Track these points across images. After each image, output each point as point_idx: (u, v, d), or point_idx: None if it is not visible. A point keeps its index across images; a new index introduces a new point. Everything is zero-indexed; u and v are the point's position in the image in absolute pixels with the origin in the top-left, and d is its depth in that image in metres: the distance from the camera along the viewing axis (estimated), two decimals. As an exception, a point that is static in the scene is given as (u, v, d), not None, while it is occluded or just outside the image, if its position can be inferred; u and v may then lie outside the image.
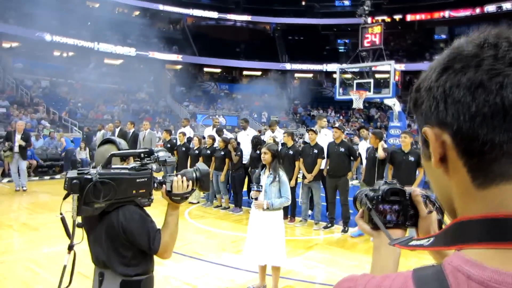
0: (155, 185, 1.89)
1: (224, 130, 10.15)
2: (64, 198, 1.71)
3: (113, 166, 1.82)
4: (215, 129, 10.07)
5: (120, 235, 1.86)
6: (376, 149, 6.56)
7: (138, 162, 1.86)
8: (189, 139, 10.30)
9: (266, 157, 4.26)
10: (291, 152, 7.44)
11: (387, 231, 0.93)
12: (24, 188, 10.27)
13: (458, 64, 0.54)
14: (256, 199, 4.18)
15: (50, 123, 19.47)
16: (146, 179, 1.82)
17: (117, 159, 2.00)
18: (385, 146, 6.87)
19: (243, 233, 6.18)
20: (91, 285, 2.03)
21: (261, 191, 4.17)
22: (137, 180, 1.80)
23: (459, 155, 0.55)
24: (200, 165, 2.03)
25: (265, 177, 4.26)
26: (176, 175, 1.94)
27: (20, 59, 25.58)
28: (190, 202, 9.25)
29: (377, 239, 0.99)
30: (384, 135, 9.79)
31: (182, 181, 1.91)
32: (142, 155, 1.87)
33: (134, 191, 1.80)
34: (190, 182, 1.94)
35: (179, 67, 34.58)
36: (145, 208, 1.95)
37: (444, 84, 0.55)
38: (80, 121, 21.62)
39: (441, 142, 0.56)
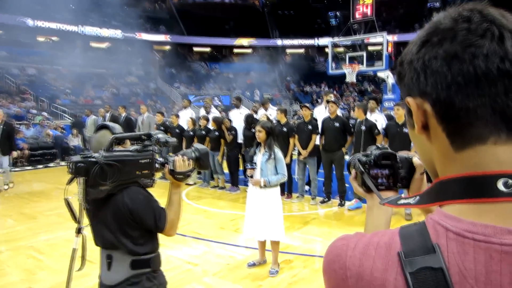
0: (157, 165, 1.95)
1: (213, 107, 10.12)
2: (68, 183, 1.75)
3: (115, 149, 1.86)
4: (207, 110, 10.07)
5: (127, 215, 1.91)
6: (362, 121, 6.64)
7: (140, 144, 1.91)
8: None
9: (260, 135, 4.29)
10: (285, 129, 7.47)
11: (378, 193, 0.98)
12: (6, 188, 9.14)
13: (436, 37, 0.58)
14: (251, 176, 4.24)
15: (39, 111, 19.31)
16: (149, 160, 1.88)
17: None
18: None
19: (241, 211, 6.29)
20: (98, 268, 2.08)
21: (255, 168, 4.22)
22: (141, 161, 1.86)
23: (438, 121, 0.58)
24: (198, 145, 2.09)
25: (261, 155, 4.31)
26: (177, 155, 2.01)
27: (4, 47, 25.08)
28: (187, 184, 9.33)
29: (370, 200, 1.03)
30: (378, 108, 9.84)
31: (183, 160, 1.99)
32: (142, 137, 1.93)
33: (137, 172, 1.86)
34: (191, 161, 2.02)
35: (167, 48, 34.09)
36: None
37: (424, 57, 0.59)
38: (70, 108, 21.44)
39: (423, 111, 0.60)
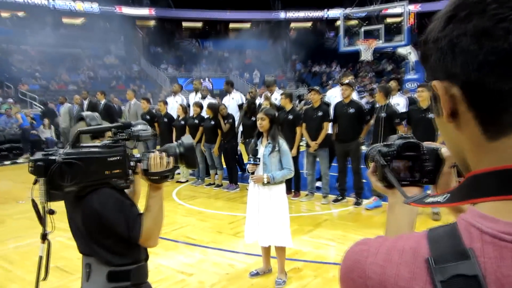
0: (132, 163, 1.92)
1: (209, 95, 10.13)
2: (34, 183, 1.75)
3: (82, 145, 1.84)
4: (198, 94, 10.05)
5: (97, 221, 1.90)
6: (383, 107, 6.62)
7: (110, 139, 1.88)
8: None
9: (263, 123, 4.28)
10: (290, 116, 7.47)
11: (402, 189, 0.98)
12: None
13: (463, 12, 0.58)
14: (253, 173, 4.23)
15: (4, 99, 19.29)
16: (119, 158, 1.85)
17: (87, 137, 2.04)
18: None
19: (241, 212, 6.29)
20: (76, 279, 2.10)
21: (258, 164, 4.22)
22: (109, 159, 1.83)
23: (468, 107, 0.59)
24: (185, 138, 2.05)
25: (263, 148, 4.30)
26: (156, 151, 1.96)
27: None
28: (178, 181, 9.36)
29: (392, 198, 1.04)
30: (400, 90, 9.78)
31: (161, 158, 1.94)
32: (114, 130, 1.89)
33: (107, 172, 1.83)
34: (172, 158, 1.97)
35: (152, 23, 33.97)
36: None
37: (451, 34, 0.59)
38: (40, 94, 21.42)
39: (451, 95, 0.60)
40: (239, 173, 9.19)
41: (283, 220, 4.24)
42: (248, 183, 4.49)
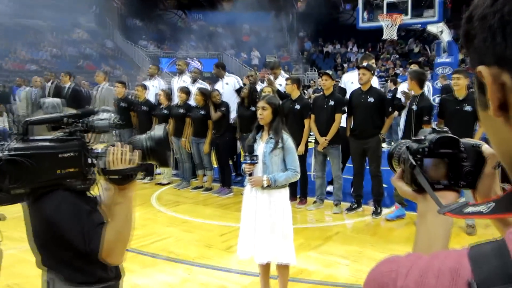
0: (90, 160, 1.90)
1: (199, 79, 10.11)
2: None
3: (32, 138, 1.83)
4: (184, 77, 10.02)
5: (49, 230, 1.89)
6: (417, 97, 6.61)
7: (62, 131, 1.88)
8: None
9: (264, 114, 4.27)
10: (297, 106, 7.47)
11: (435, 195, 0.98)
12: None
13: None
14: (250, 174, 4.23)
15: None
16: (74, 154, 1.84)
17: (45, 129, 2.02)
18: (408, 90, 6.94)
19: (235, 222, 6.26)
20: None
21: (256, 163, 4.21)
22: (61, 156, 1.82)
23: None
24: (156, 128, 2.03)
25: (263, 144, 4.30)
26: (119, 144, 1.95)
27: None
28: (159, 184, 9.36)
29: (422, 204, 1.04)
30: (429, 76, 9.77)
31: (123, 153, 1.92)
32: (66, 120, 1.87)
33: (59, 171, 1.82)
34: (136, 153, 1.95)
35: (130, -10, 33.83)
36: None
37: (502, 9, 0.59)
38: (-8, 75, 21.38)
39: (500, 84, 0.60)
40: (233, 174, 9.19)
41: (285, 232, 4.23)
42: (244, 186, 4.48)
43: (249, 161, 4.19)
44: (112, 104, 10.29)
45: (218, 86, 9.46)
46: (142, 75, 20.31)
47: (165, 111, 9.09)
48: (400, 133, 7.20)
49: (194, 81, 9.74)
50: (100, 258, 1.92)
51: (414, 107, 6.57)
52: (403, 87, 9.05)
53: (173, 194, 8.78)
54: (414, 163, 1.04)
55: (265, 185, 4.17)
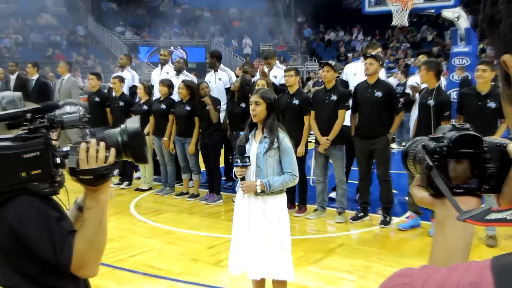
0: (59, 160, 1.89)
1: (184, 70, 10.07)
2: None
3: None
4: (167, 68, 9.99)
5: (13, 241, 1.88)
6: (434, 90, 6.61)
7: (25, 129, 1.86)
8: (133, 89, 10.24)
9: (258, 110, 4.26)
10: (296, 101, 7.48)
11: (454, 200, 0.97)
12: None
13: None
14: (243, 179, 4.21)
15: None
16: (38, 153, 1.82)
17: (1, 127, 2.01)
18: (416, 84, 6.92)
19: (225, 233, 6.28)
20: None
21: (248, 165, 4.19)
22: (24, 156, 1.81)
23: None
24: (130, 121, 2.01)
25: (256, 144, 4.30)
26: (92, 140, 1.92)
27: None
28: (138, 190, 9.34)
29: (441, 211, 1.05)
30: (444, 67, 9.77)
31: (97, 150, 1.90)
32: (28, 115, 1.86)
33: (22, 174, 1.81)
34: (112, 150, 1.93)
35: (105, -31, 33.80)
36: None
37: None
38: None
39: None
40: (223, 179, 9.18)
41: (282, 243, 4.22)
42: (235, 193, 4.47)
43: (240, 164, 4.17)
44: (77, 97, 10.28)
45: (212, 77, 9.40)
46: (119, 65, 20.33)
47: (145, 107, 9.08)
48: (411, 133, 7.20)
49: (178, 72, 9.70)
50: (72, 270, 1.90)
51: (432, 102, 6.55)
52: (412, 80, 9.08)
53: (154, 201, 8.76)
54: (431, 163, 1.03)
55: (259, 191, 4.16)
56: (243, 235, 4.26)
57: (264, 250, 4.17)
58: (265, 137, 4.28)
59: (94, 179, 1.90)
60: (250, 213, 4.23)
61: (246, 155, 4.22)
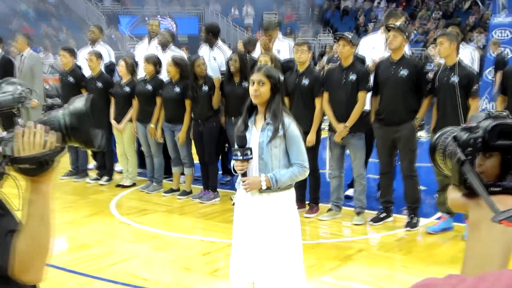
0: None
1: (172, 45, 10.01)
2: None
3: None
4: (155, 42, 9.95)
5: None
6: (454, 66, 6.64)
7: None
8: (110, 66, 10.27)
9: (261, 91, 4.24)
10: (306, 81, 7.44)
11: (490, 199, 1.00)
12: None
13: None
14: (244, 174, 4.20)
15: None
16: None
17: None
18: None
19: (223, 237, 6.34)
20: None
21: (251, 159, 4.16)
22: None
23: None
24: (76, 100, 2.02)
25: (258, 132, 4.29)
26: (31, 123, 1.93)
27: None
28: (120, 186, 9.37)
29: (475, 212, 1.06)
30: (483, 40, 9.71)
31: (35, 134, 1.91)
32: None
33: None
34: (53, 133, 1.94)
35: None
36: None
37: None
38: None
39: None
40: (219, 173, 9.12)
41: (292, 248, 4.24)
42: (235, 189, 4.48)
43: (241, 157, 4.13)
44: (40, 77, 10.23)
45: (206, 53, 9.27)
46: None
47: (127, 88, 9.03)
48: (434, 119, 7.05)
49: (163, 47, 9.61)
50: (12, 275, 1.90)
51: (455, 79, 6.58)
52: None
53: (139, 200, 8.73)
54: (463, 157, 1.05)
55: (264, 188, 4.16)
56: (246, 239, 4.27)
57: (271, 256, 4.17)
58: (268, 123, 4.26)
59: (33, 167, 1.90)
60: (254, 213, 4.24)
61: (247, 146, 4.17)
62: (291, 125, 4.29)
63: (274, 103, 4.29)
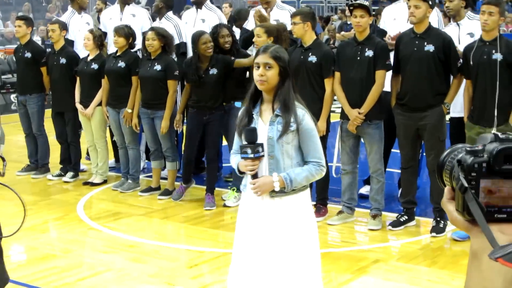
0: None
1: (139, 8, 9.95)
2: None
3: None
4: (129, 5, 9.91)
5: None
6: (495, 41, 6.65)
7: None
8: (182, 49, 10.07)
9: (269, 75, 4.24)
10: (313, 57, 7.43)
11: (490, 231, 1.04)
12: None
13: None
14: (254, 176, 4.20)
15: None
16: None
17: None
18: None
19: (212, 246, 6.32)
20: None
21: (262, 156, 4.19)
22: None
23: None
24: None
25: (265, 125, 4.30)
26: None
27: None
28: (88, 183, 9.34)
29: (477, 241, 1.11)
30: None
31: None
32: None
33: None
34: None
35: None
36: None
37: None
38: None
39: None
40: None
41: (310, 260, 4.27)
42: (225, 187, 4.45)
43: (252, 155, 4.15)
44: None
45: (188, 19, 9.28)
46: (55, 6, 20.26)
47: (95, 65, 9.03)
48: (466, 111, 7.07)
49: (158, 15, 9.61)
50: None
51: (498, 56, 6.60)
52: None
53: (111, 201, 8.76)
54: (465, 185, 1.09)
55: (277, 189, 4.18)
56: (253, 251, 4.28)
57: (286, 272, 4.20)
58: (277, 115, 4.26)
59: None
60: (263, 220, 4.26)
61: (256, 142, 4.18)
62: (305, 117, 4.30)
63: (284, 91, 4.28)
